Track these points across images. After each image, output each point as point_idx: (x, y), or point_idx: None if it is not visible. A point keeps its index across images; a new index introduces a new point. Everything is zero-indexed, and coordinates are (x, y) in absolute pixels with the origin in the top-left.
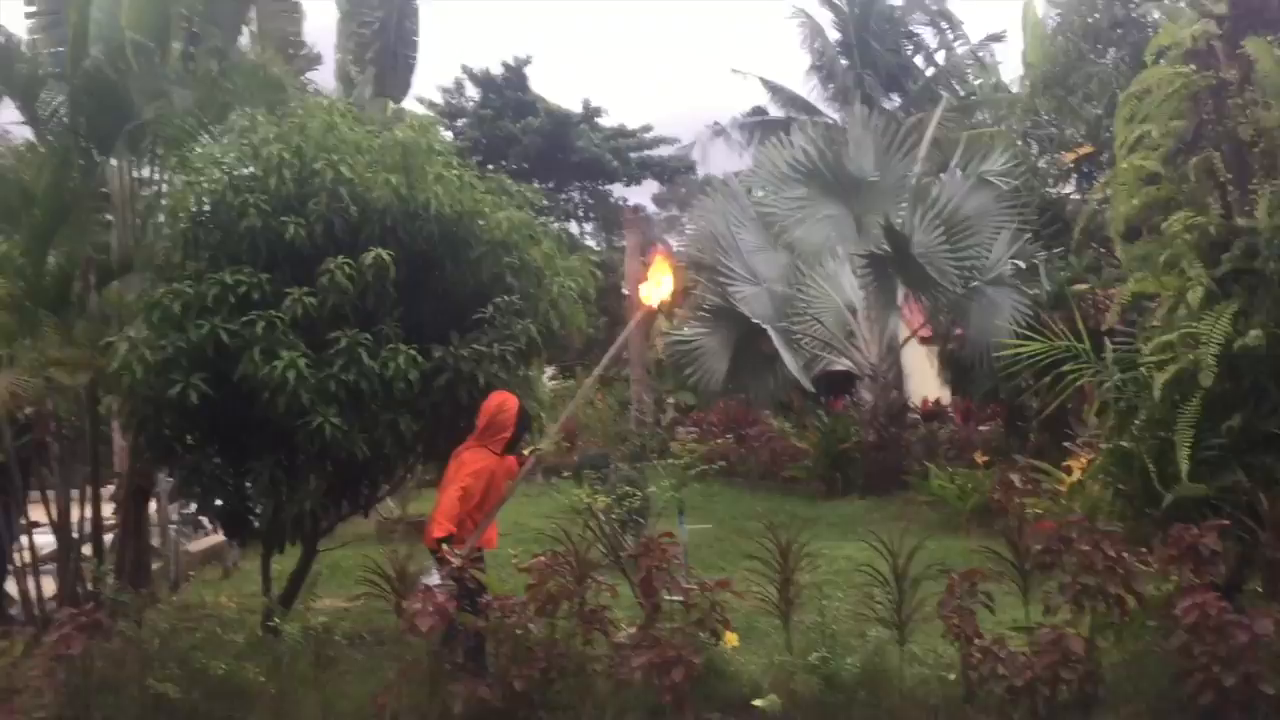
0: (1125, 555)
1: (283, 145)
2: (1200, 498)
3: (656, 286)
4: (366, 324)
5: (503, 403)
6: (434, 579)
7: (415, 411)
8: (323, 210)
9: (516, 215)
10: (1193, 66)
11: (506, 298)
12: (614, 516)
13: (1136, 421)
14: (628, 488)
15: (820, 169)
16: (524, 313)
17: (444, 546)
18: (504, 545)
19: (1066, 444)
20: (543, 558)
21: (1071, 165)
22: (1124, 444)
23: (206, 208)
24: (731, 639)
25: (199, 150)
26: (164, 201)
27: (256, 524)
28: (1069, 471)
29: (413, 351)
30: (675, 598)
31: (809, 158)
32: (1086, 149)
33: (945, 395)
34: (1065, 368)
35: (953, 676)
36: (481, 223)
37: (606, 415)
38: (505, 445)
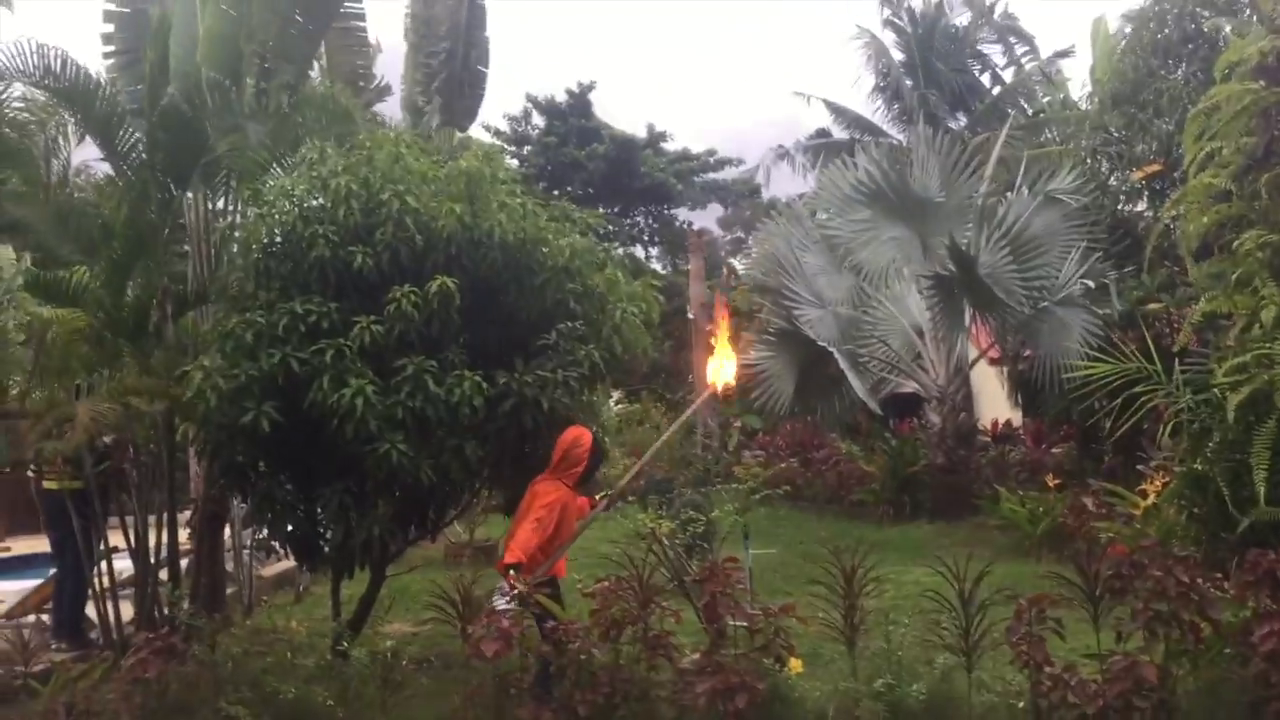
0: (1199, 581)
1: (350, 177)
2: (1276, 521)
3: (720, 369)
4: (432, 351)
5: (578, 438)
6: (502, 603)
7: (480, 437)
8: (389, 240)
9: (579, 242)
10: (1262, 82)
11: (570, 324)
12: (678, 541)
13: (1210, 444)
14: (692, 512)
15: (884, 190)
16: (587, 338)
17: (512, 574)
18: (569, 570)
19: (1141, 467)
20: (607, 583)
21: (1141, 183)
22: (1198, 467)
23: (278, 239)
24: (796, 665)
25: (271, 183)
26: (237, 233)
27: (326, 549)
28: (1144, 495)
29: (478, 378)
30: (740, 623)
31: (873, 179)
32: (1155, 166)
33: (1015, 416)
34: (1138, 389)
35: (1022, 705)
36: (545, 250)
37: (672, 439)
38: (578, 479)
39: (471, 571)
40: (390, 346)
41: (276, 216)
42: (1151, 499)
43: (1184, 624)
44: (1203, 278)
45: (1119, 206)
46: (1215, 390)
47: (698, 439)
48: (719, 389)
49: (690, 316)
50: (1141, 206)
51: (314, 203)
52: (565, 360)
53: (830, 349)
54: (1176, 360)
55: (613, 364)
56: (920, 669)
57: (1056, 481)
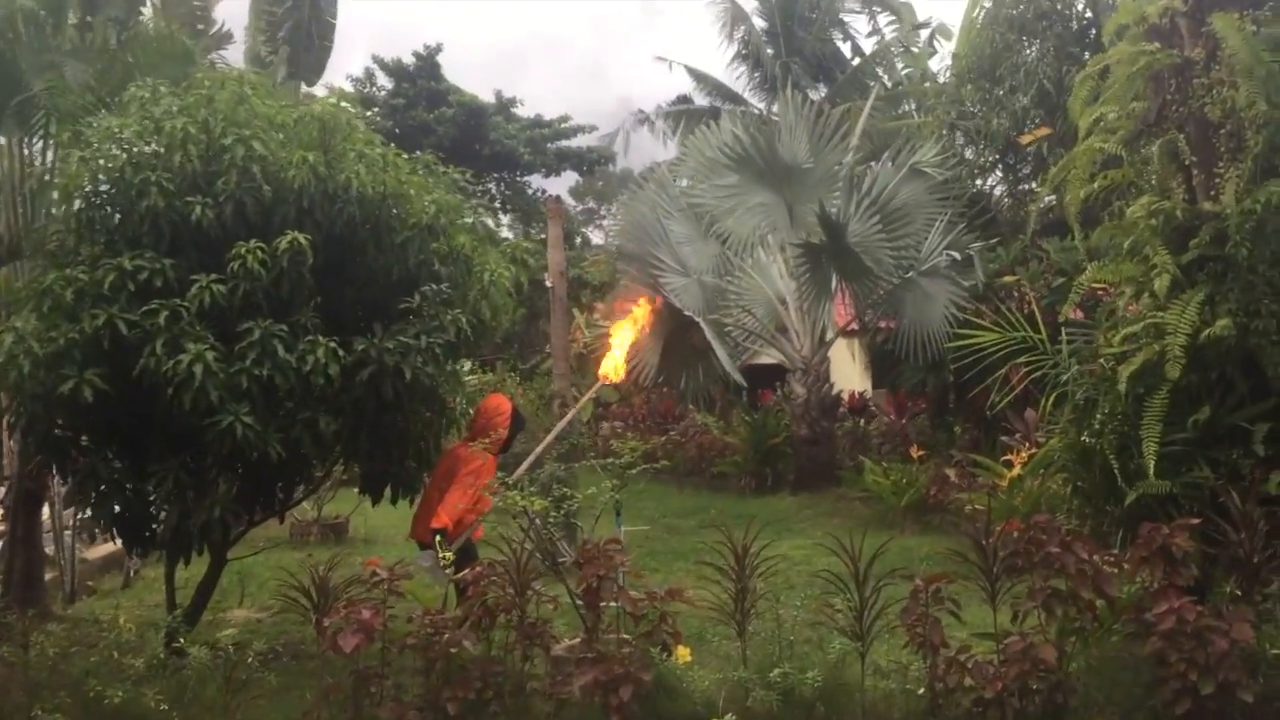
0: (1096, 557)
1: (188, 119)
2: (1163, 494)
3: (614, 361)
4: (282, 314)
5: (498, 406)
6: (426, 562)
7: (335, 409)
8: (232, 190)
9: (444, 198)
10: (1156, 45)
11: (434, 286)
12: (552, 520)
13: (1098, 415)
14: (565, 490)
15: (752, 156)
16: (453, 302)
17: (438, 538)
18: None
19: (1005, 438)
20: (478, 568)
21: (1020, 151)
22: (1084, 439)
23: (104, 187)
24: (684, 654)
25: (96, 125)
26: (56, 181)
27: (160, 532)
28: (1009, 466)
29: (333, 344)
30: (624, 607)
31: (740, 144)
32: (1044, 130)
33: (867, 388)
34: (1021, 359)
35: (921, 691)
36: (407, 206)
37: (529, 410)
38: (499, 446)
39: (323, 552)
40: (234, 308)
41: (102, 162)
42: (1017, 470)
43: (1081, 601)
44: (1092, 246)
45: (975, 181)
46: (1102, 361)
47: (555, 411)
48: (612, 379)
49: (548, 285)
50: (994, 181)
51: (146, 148)
52: (429, 326)
53: (696, 319)
54: (1062, 330)
55: (480, 330)
56: (808, 650)
57: (920, 452)
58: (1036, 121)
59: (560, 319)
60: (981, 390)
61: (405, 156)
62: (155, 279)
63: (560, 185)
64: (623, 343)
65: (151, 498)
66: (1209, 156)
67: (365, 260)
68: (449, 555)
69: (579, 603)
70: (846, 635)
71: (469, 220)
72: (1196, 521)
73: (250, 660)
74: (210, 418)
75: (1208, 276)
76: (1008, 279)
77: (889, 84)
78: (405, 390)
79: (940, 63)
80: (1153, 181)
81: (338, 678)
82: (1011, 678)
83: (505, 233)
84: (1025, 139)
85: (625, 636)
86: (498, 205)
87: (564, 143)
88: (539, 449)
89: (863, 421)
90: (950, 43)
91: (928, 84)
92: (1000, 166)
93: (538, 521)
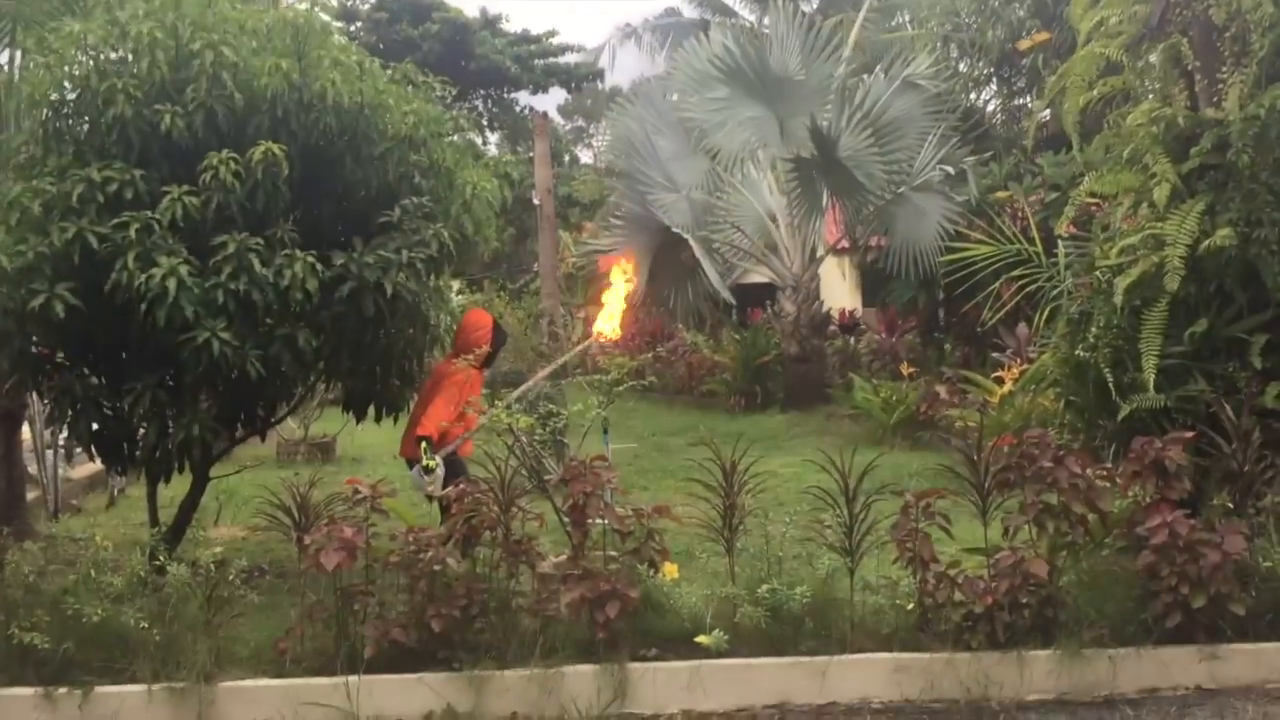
0: (1088, 471)
1: (155, 23)
2: (1157, 408)
3: (609, 318)
4: (257, 228)
5: (479, 321)
6: (419, 477)
7: (315, 325)
8: (202, 98)
9: (425, 109)
10: None
11: (415, 199)
12: (538, 437)
13: (1093, 329)
14: (551, 406)
15: (743, 68)
16: (434, 216)
17: (423, 446)
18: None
19: (997, 355)
20: (462, 484)
21: (1020, 59)
22: (1079, 353)
23: (70, 95)
24: (671, 570)
25: (60, 30)
26: (23, 89)
27: (139, 451)
28: (1000, 382)
29: (311, 259)
30: (610, 524)
31: (731, 55)
32: (1043, 35)
33: (857, 306)
34: (1016, 273)
35: (910, 606)
36: (385, 116)
37: (517, 329)
38: (483, 361)
39: (308, 470)
40: (207, 221)
41: (67, 69)
42: (1008, 386)
43: (1073, 516)
44: (1089, 156)
45: (969, 94)
46: (1098, 273)
47: (544, 328)
48: (603, 337)
49: (536, 202)
50: (988, 95)
51: (113, 54)
52: (410, 240)
53: (685, 235)
54: (1059, 243)
55: (463, 245)
56: (796, 565)
57: (911, 370)
58: (1033, 32)
59: (548, 237)
60: (973, 307)
61: (384, 66)
62: (125, 190)
63: (548, 103)
64: (617, 298)
65: (129, 415)
66: (1212, 61)
67: (343, 173)
68: (432, 463)
69: (565, 520)
70: (836, 551)
71: (453, 138)
72: (1190, 435)
73: (232, 578)
74: (186, 334)
75: (1208, 186)
76: (1001, 194)
77: None
78: (387, 306)
79: None
80: (1154, 88)
81: (321, 595)
82: (1002, 592)
83: (493, 150)
84: (1024, 44)
85: (612, 553)
86: (485, 123)
87: (552, 60)
88: (528, 384)
89: (853, 339)
90: None
91: None
92: (995, 80)
93: (523, 439)
